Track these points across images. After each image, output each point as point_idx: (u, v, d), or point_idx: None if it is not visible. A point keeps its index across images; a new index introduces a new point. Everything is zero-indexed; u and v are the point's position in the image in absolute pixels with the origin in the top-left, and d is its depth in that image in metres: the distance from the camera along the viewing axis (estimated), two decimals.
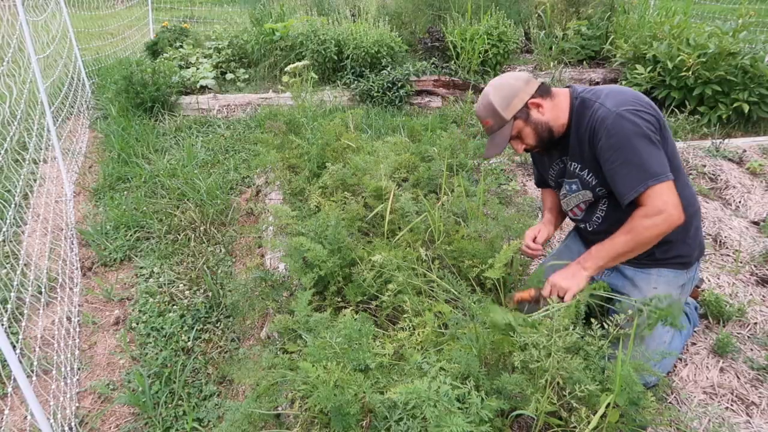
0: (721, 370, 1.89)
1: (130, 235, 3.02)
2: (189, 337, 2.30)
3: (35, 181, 3.43)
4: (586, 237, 1.98)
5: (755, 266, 2.43)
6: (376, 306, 2.01)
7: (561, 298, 1.68)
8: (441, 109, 4.97)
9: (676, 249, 1.80)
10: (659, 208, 1.60)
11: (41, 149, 3.38)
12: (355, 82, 5.17)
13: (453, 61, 5.48)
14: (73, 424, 1.89)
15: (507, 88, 1.76)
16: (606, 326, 1.48)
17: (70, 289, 2.54)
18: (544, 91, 1.78)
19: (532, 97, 1.76)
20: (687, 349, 1.97)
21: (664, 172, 1.59)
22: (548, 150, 1.90)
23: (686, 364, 1.91)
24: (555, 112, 1.78)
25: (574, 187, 1.86)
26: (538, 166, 2.11)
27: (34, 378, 1.86)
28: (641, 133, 1.58)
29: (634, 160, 1.59)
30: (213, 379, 2.12)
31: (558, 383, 1.39)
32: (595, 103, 1.68)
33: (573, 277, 1.69)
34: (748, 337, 2.03)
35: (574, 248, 2.03)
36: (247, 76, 5.75)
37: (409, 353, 1.55)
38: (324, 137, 3.09)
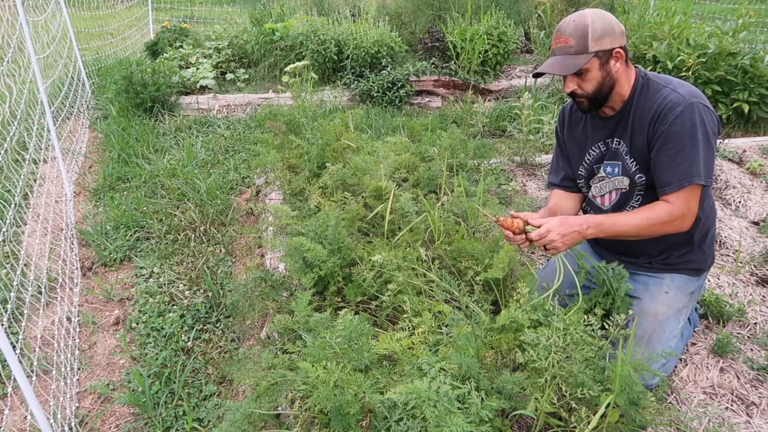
0: (721, 370, 1.89)
1: (130, 235, 3.02)
2: (189, 337, 2.30)
3: (35, 181, 3.43)
4: None
5: (755, 266, 2.43)
6: (376, 306, 2.01)
7: (544, 248, 1.63)
8: (441, 109, 4.97)
9: (692, 255, 1.81)
10: (682, 213, 1.60)
11: (41, 149, 3.37)
12: (355, 82, 5.17)
13: (453, 61, 5.48)
14: (73, 424, 1.89)
15: (607, 23, 1.64)
16: (607, 326, 1.48)
17: (70, 289, 2.54)
18: (627, 53, 1.71)
19: (621, 47, 1.67)
20: (687, 349, 1.97)
21: (709, 177, 1.59)
22: (598, 106, 1.76)
23: (686, 364, 1.91)
24: (624, 79, 1.71)
25: (616, 170, 1.80)
26: (567, 153, 1.98)
27: (34, 378, 1.86)
28: (706, 130, 1.58)
29: (690, 153, 1.57)
30: (213, 379, 2.11)
31: (558, 384, 1.39)
32: (664, 88, 1.65)
33: (568, 237, 1.61)
34: (748, 337, 2.03)
35: (571, 257, 2.02)
36: (247, 76, 5.75)
37: (407, 354, 1.55)
38: (324, 137, 3.09)
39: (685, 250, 1.81)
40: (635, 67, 1.76)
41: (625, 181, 1.78)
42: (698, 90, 1.65)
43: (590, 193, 1.94)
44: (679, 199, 1.61)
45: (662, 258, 1.83)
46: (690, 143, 1.57)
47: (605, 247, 1.99)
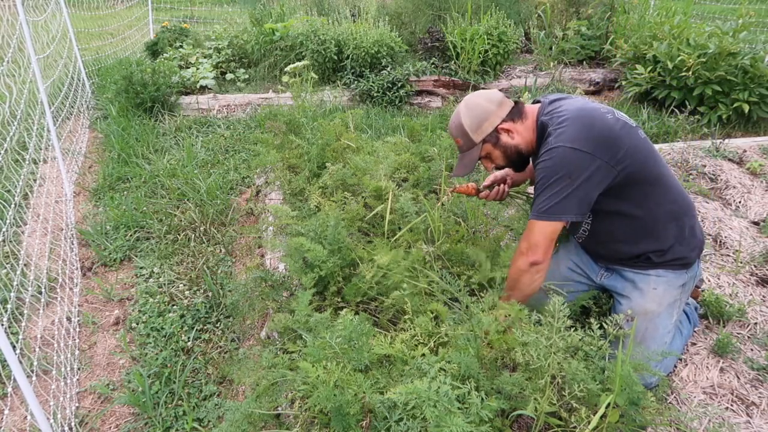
0: (721, 370, 1.89)
1: (130, 235, 3.02)
2: (189, 337, 2.30)
3: (35, 181, 3.43)
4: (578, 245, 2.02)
5: (755, 266, 2.43)
6: (377, 306, 2.01)
7: None
8: (441, 109, 4.97)
9: (672, 253, 1.80)
10: (522, 250, 1.67)
11: (41, 149, 3.38)
12: (355, 82, 5.16)
13: (453, 61, 5.48)
14: (73, 424, 1.89)
15: (479, 110, 1.76)
16: (605, 326, 1.48)
17: (70, 289, 2.54)
18: (516, 114, 1.78)
19: (504, 121, 1.76)
20: (687, 349, 1.97)
21: (560, 213, 1.60)
22: (520, 167, 1.91)
23: (686, 364, 1.91)
24: (525, 135, 1.79)
25: None
26: None
27: (34, 378, 1.86)
28: (563, 173, 1.59)
29: (542, 192, 1.63)
30: (213, 379, 2.12)
31: (558, 383, 1.39)
32: (548, 128, 1.69)
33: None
34: (748, 337, 2.03)
35: (561, 254, 2.05)
36: (247, 76, 5.75)
37: (407, 354, 1.55)
38: (324, 137, 3.09)
39: (662, 252, 1.79)
40: (538, 101, 1.81)
41: None
42: (586, 120, 1.62)
43: None
44: (525, 233, 1.69)
45: (644, 257, 1.82)
46: (542, 184, 1.64)
47: (586, 252, 2.01)
